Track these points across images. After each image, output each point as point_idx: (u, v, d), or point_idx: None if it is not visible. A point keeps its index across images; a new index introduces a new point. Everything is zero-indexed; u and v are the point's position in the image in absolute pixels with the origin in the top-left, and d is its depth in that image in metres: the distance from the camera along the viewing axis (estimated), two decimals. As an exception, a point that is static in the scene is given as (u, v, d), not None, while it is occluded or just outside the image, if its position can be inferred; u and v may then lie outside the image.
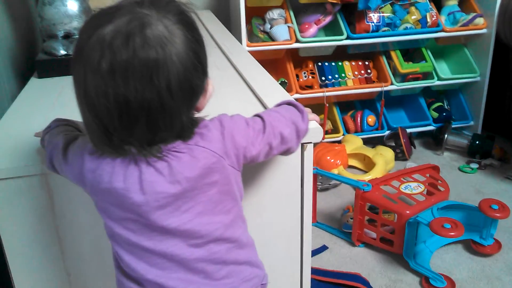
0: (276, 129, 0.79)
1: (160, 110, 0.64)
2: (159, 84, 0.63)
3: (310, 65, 2.36)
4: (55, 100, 1.21)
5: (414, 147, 2.40)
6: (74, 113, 0.76)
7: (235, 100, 1.15)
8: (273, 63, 2.31)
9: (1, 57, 1.50)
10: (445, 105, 2.57)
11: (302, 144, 0.97)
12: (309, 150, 0.98)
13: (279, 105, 0.90)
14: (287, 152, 0.84)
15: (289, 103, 0.89)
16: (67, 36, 1.43)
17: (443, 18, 2.37)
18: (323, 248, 1.73)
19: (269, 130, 0.78)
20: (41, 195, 0.91)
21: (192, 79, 0.67)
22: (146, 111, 0.64)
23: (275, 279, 1.07)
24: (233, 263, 0.76)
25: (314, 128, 0.96)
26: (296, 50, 2.30)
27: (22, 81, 1.64)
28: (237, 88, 1.23)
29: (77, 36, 1.37)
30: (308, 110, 0.96)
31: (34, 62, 1.73)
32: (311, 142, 0.97)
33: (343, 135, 2.39)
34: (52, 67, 1.40)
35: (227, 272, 0.76)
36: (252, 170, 0.96)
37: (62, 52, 1.42)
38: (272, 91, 1.17)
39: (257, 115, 0.81)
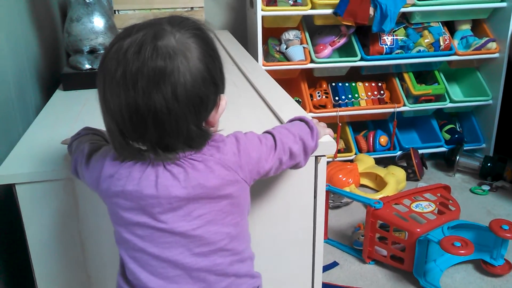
0: (286, 145, 0.84)
1: (166, 114, 0.69)
2: (166, 90, 0.68)
3: (324, 85, 2.41)
4: (79, 110, 1.27)
5: (426, 168, 2.42)
6: (97, 124, 0.83)
7: (252, 115, 1.19)
8: (288, 82, 2.36)
9: (28, 71, 1.57)
10: (457, 127, 2.59)
11: (316, 157, 1.01)
12: (323, 163, 1.01)
13: (291, 120, 0.95)
14: (295, 166, 0.88)
15: (301, 119, 0.93)
16: (92, 51, 1.50)
17: (456, 42, 2.41)
18: (334, 264, 1.75)
19: (279, 146, 0.83)
20: (66, 199, 0.95)
21: (200, 90, 0.70)
22: (153, 114, 0.68)
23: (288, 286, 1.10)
24: (234, 275, 0.79)
25: (327, 142, 1.00)
26: (310, 70, 2.35)
27: (46, 94, 1.70)
28: (254, 105, 1.28)
29: (102, 51, 1.44)
30: (322, 124, 1.01)
31: (58, 76, 1.81)
32: (324, 155, 1.01)
33: (355, 154, 2.42)
34: (77, 81, 1.46)
35: (227, 284, 0.78)
36: (266, 182, 1.00)
37: (87, 66, 1.48)
38: (288, 107, 1.22)
39: (268, 132, 0.85)
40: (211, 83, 0.72)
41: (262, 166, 0.80)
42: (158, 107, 0.68)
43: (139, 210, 0.74)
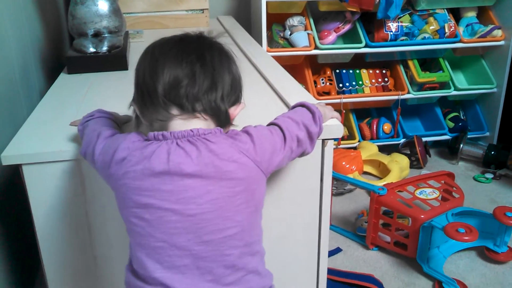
0: (293, 134, 0.84)
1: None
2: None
3: (328, 72, 2.40)
4: (85, 93, 1.26)
5: (429, 156, 2.41)
6: (102, 105, 0.93)
7: (257, 99, 1.19)
8: (291, 69, 2.33)
9: (32, 54, 1.57)
10: (461, 115, 2.59)
11: (323, 140, 1.01)
12: (329, 147, 1.01)
13: (293, 107, 0.95)
14: (303, 154, 0.88)
15: (302, 105, 0.93)
16: (97, 34, 1.49)
17: (461, 29, 2.39)
18: (337, 250, 1.76)
19: (287, 135, 0.83)
20: (73, 180, 0.95)
21: (239, 84, 0.83)
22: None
23: (293, 271, 1.10)
24: (242, 269, 0.77)
25: (334, 125, 0.99)
26: (314, 56, 2.34)
27: (49, 78, 1.70)
28: (259, 88, 1.27)
29: (106, 35, 1.43)
30: (329, 108, 1.00)
31: (61, 60, 1.80)
32: (331, 139, 1.00)
33: (359, 141, 2.42)
34: (81, 64, 1.46)
35: (235, 279, 0.77)
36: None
37: (92, 49, 1.47)
38: (293, 90, 1.21)
39: (273, 124, 0.86)
40: (240, 85, 0.83)
41: (277, 156, 0.81)
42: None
43: (149, 191, 0.74)
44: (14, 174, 1.16)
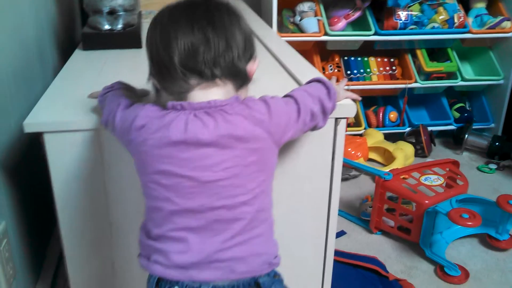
0: (308, 107, 0.86)
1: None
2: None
3: (337, 59, 2.42)
4: (101, 67, 1.29)
5: (434, 145, 2.44)
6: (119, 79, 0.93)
7: (269, 78, 1.21)
8: (300, 54, 2.36)
9: (47, 32, 1.59)
10: (467, 106, 2.61)
11: (336, 119, 1.03)
12: (342, 125, 1.03)
13: (309, 82, 0.96)
14: (314, 128, 0.90)
15: (318, 80, 0.95)
16: (112, 12, 1.50)
17: (470, 20, 2.40)
18: (341, 233, 1.79)
19: (302, 108, 0.85)
20: (93, 150, 0.97)
21: (252, 39, 0.83)
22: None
23: (301, 246, 1.13)
24: (251, 232, 0.80)
25: (348, 104, 1.02)
26: (323, 43, 2.36)
27: (63, 55, 1.72)
28: (271, 68, 1.29)
29: (121, 12, 1.45)
30: (343, 86, 1.02)
31: (73, 37, 1.82)
32: (344, 118, 1.02)
33: (365, 129, 2.44)
34: (97, 41, 1.48)
35: (243, 240, 0.79)
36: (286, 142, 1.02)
37: (107, 27, 1.49)
38: (305, 70, 1.23)
39: (289, 96, 0.87)
40: (253, 40, 0.84)
41: (290, 129, 0.83)
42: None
43: (167, 158, 0.76)
44: (32, 143, 1.20)
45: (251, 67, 0.82)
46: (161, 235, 0.79)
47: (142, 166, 0.80)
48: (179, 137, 0.75)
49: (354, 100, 1.04)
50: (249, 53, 0.82)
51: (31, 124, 0.93)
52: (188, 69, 0.76)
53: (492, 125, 2.54)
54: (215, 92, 0.79)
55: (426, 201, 1.62)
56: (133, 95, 0.96)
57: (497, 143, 2.35)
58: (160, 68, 0.79)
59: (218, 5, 0.81)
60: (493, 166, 2.28)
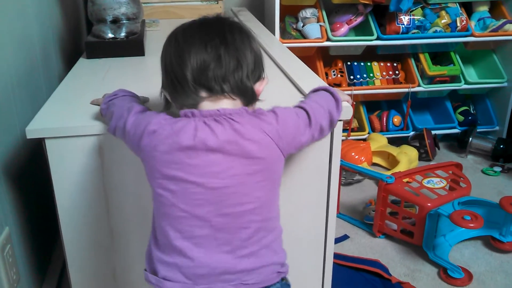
0: (318, 121, 0.88)
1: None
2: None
3: (340, 64, 2.43)
4: (104, 76, 1.31)
5: (438, 148, 2.44)
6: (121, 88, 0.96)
7: (273, 87, 1.22)
8: (304, 60, 2.32)
9: (52, 40, 1.62)
10: (471, 109, 2.61)
11: (333, 122, 1.04)
12: (339, 127, 1.04)
13: (315, 90, 0.98)
14: (320, 139, 0.92)
15: (326, 89, 0.96)
16: (115, 21, 1.53)
17: (473, 23, 2.41)
18: (345, 237, 1.79)
19: (313, 122, 0.87)
20: (94, 156, 0.99)
21: (261, 61, 0.86)
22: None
23: (300, 250, 1.14)
24: (257, 244, 0.81)
25: (344, 106, 1.02)
26: (326, 48, 2.37)
27: (68, 63, 1.75)
28: (274, 76, 1.31)
29: (124, 21, 1.48)
30: (341, 91, 1.04)
31: (79, 46, 1.85)
32: (341, 120, 1.04)
33: (369, 133, 2.45)
34: (100, 49, 1.50)
35: (250, 252, 0.80)
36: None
37: (110, 35, 1.52)
38: (308, 78, 1.24)
39: (300, 107, 0.89)
40: (262, 61, 0.87)
41: (299, 140, 0.85)
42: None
43: (176, 164, 0.78)
44: (36, 149, 1.22)
45: (258, 86, 0.84)
46: (167, 245, 0.80)
47: (151, 172, 0.82)
48: (188, 143, 0.77)
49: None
50: (257, 72, 0.84)
51: (33, 130, 0.95)
52: (198, 84, 0.79)
53: (497, 127, 2.54)
54: (224, 103, 0.81)
55: (429, 204, 1.63)
56: (139, 100, 0.98)
57: (501, 146, 2.35)
58: (173, 81, 0.82)
59: (231, 25, 0.85)
60: (497, 169, 2.28)
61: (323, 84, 1.19)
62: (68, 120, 1.00)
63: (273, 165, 0.81)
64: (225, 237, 0.79)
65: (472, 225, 1.47)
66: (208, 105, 0.81)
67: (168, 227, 0.80)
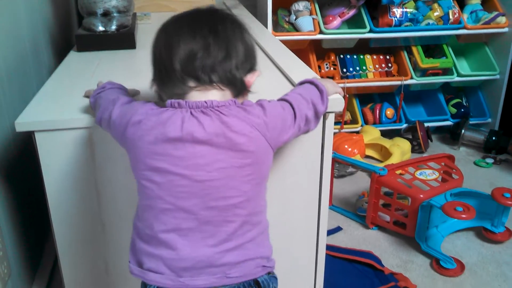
0: (302, 112, 0.87)
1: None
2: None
3: (332, 57, 2.43)
4: (94, 68, 1.30)
5: (431, 141, 2.45)
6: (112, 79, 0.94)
7: (263, 77, 1.22)
8: (296, 53, 2.34)
9: (42, 33, 1.61)
10: (464, 101, 2.61)
11: (324, 114, 1.04)
12: (330, 120, 1.04)
13: (301, 83, 0.97)
14: (307, 132, 0.91)
15: (311, 82, 0.96)
16: (106, 14, 1.52)
17: (465, 16, 2.41)
18: (338, 229, 1.80)
19: (298, 114, 0.86)
20: (84, 148, 0.99)
21: (253, 52, 0.85)
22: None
23: (292, 240, 1.14)
24: (243, 237, 0.80)
25: (336, 98, 1.03)
26: (319, 41, 2.37)
27: (58, 56, 1.74)
28: (265, 68, 1.30)
29: (115, 14, 1.47)
30: (332, 82, 1.04)
31: (69, 39, 1.84)
32: (332, 112, 1.04)
33: (362, 126, 2.45)
34: (91, 42, 1.49)
35: (235, 245, 0.80)
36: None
37: (101, 28, 1.51)
38: (299, 69, 1.24)
39: (284, 100, 0.88)
40: (254, 53, 0.87)
41: (286, 133, 0.84)
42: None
43: (161, 155, 0.77)
44: (26, 143, 1.21)
45: (249, 78, 0.84)
46: (152, 237, 0.80)
47: (136, 163, 0.81)
48: (175, 134, 0.76)
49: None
50: (249, 64, 0.84)
51: (23, 123, 0.95)
52: (186, 72, 0.79)
53: (489, 120, 2.55)
54: (213, 94, 0.80)
55: (421, 195, 1.63)
56: (126, 93, 0.97)
57: (493, 138, 2.36)
58: (160, 70, 0.81)
59: (223, 16, 0.84)
60: (490, 161, 2.29)
61: (315, 76, 1.19)
62: (58, 113, 0.99)
63: (261, 158, 0.81)
64: (210, 230, 0.79)
65: (464, 216, 1.48)
66: (196, 95, 0.80)
67: (153, 219, 0.79)
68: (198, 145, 0.76)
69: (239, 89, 0.83)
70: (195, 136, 0.76)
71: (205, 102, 0.78)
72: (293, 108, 0.86)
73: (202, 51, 0.78)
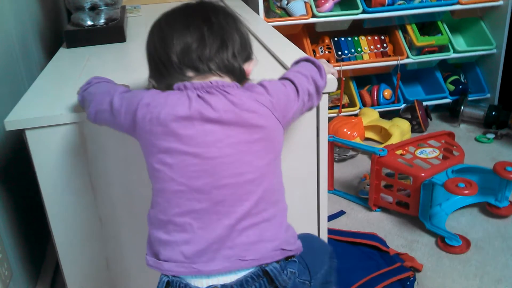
0: (304, 87, 0.87)
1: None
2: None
3: (327, 41, 2.40)
4: (84, 65, 1.28)
5: (431, 119, 2.43)
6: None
7: (259, 65, 1.20)
8: (290, 38, 2.33)
9: (31, 29, 1.59)
10: (462, 78, 2.59)
11: (318, 95, 1.03)
12: (324, 100, 1.03)
13: (297, 62, 0.96)
14: (310, 108, 0.91)
15: (306, 59, 0.95)
16: (93, 8, 1.50)
17: (459, -9, 2.38)
18: (341, 213, 1.78)
19: (300, 88, 0.86)
20: (76, 143, 0.98)
21: (249, 42, 0.86)
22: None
23: (292, 225, 1.13)
24: (256, 217, 0.78)
25: (329, 79, 1.01)
26: (312, 25, 2.34)
27: (49, 52, 1.72)
28: (258, 54, 1.28)
29: (102, 7, 1.45)
30: (327, 63, 1.02)
31: (59, 35, 1.82)
32: (326, 92, 1.02)
33: (360, 108, 2.43)
34: (80, 37, 1.48)
35: (250, 224, 0.78)
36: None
37: (89, 23, 1.49)
38: (291, 52, 1.23)
39: (284, 78, 0.88)
40: (250, 42, 0.88)
41: (291, 108, 0.84)
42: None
43: (171, 135, 0.77)
44: (18, 140, 1.20)
45: (247, 66, 0.84)
46: (166, 222, 0.78)
47: (147, 146, 0.80)
48: (184, 113, 0.76)
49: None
50: (246, 53, 0.84)
51: (12, 121, 0.93)
52: (184, 64, 0.79)
53: (488, 95, 2.52)
54: (214, 79, 0.80)
55: (422, 174, 1.62)
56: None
57: (493, 113, 2.34)
58: (157, 65, 0.81)
59: (215, 8, 0.85)
60: (490, 136, 2.27)
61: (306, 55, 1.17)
62: (48, 110, 0.98)
63: (272, 134, 0.80)
64: (225, 210, 0.77)
65: (466, 192, 1.47)
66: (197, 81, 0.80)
67: (166, 203, 0.78)
68: (207, 123, 0.77)
69: (238, 77, 0.83)
70: (203, 114, 0.76)
71: (210, 82, 0.78)
72: (294, 84, 0.86)
73: (197, 43, 0.79)
